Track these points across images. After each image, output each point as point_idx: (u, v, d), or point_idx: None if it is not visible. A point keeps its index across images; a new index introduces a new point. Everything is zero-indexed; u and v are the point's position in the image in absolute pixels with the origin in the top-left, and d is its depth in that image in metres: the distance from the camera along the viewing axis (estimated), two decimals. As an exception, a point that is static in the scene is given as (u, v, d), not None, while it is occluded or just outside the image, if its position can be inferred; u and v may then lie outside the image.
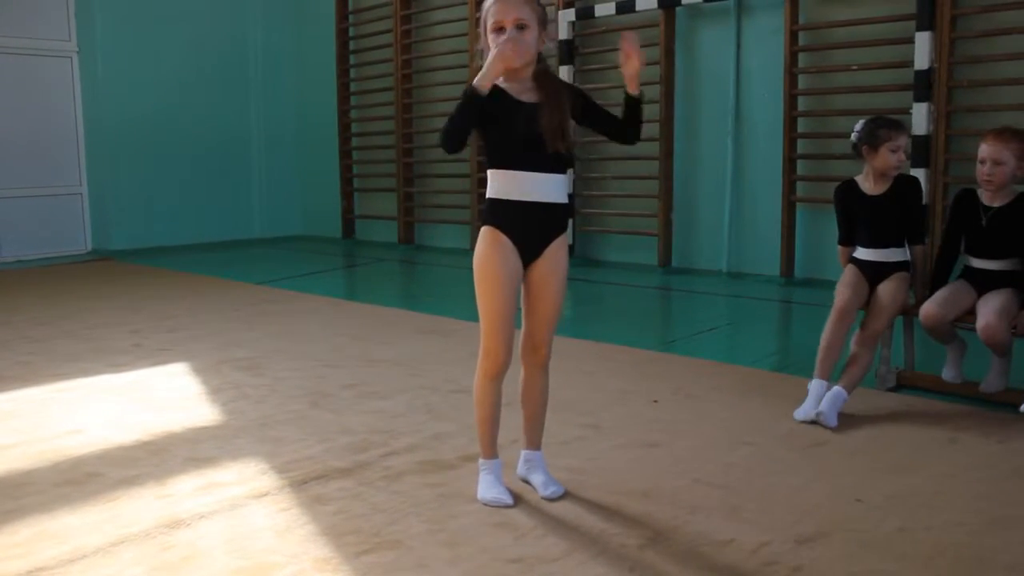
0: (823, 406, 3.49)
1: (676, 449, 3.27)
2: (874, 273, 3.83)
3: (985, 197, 3.72)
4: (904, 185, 3.83)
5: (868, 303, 3.81)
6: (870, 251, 3.86)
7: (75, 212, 9.65)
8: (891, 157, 3.76)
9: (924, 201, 4.04)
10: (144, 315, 5.99)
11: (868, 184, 3.86)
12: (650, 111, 7.46)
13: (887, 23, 6.30)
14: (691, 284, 7.00)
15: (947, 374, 3.91)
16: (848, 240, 3.96)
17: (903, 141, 3.75)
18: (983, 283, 3.69)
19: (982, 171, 3.65)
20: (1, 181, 9.03)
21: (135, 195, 9.66)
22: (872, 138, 3.75)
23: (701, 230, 7.51)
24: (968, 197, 3.78)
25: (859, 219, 3.89)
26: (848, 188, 3.93)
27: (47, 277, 7.95)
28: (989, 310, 3.55)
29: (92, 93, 9.50)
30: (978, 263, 3.75)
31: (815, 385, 3.62)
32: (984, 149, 3.64)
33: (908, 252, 3.86)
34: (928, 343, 3.98)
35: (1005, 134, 3.63)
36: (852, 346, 3.72)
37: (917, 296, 3.84)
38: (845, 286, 3.80)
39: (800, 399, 3.64)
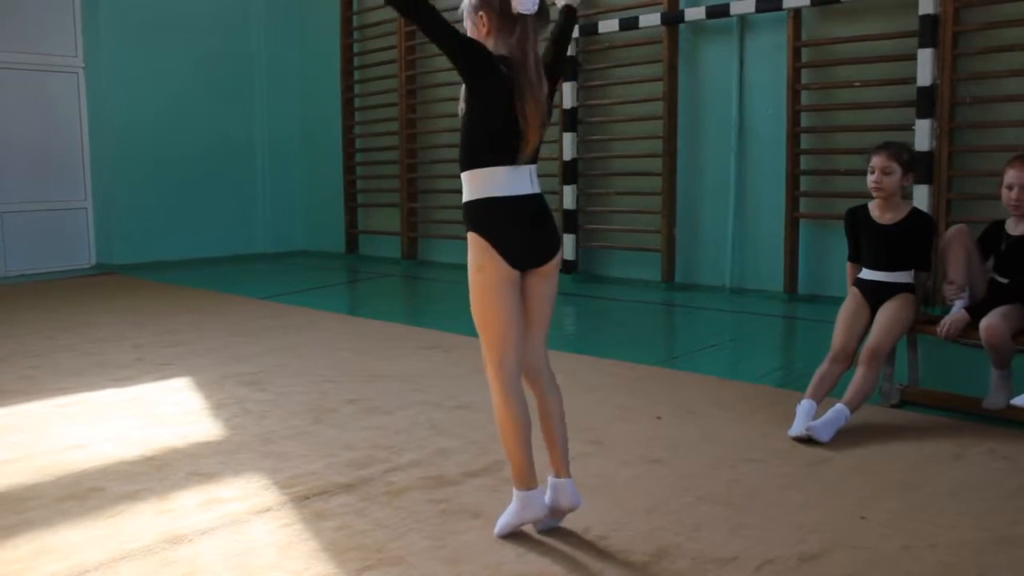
0: (817, 420, 3.49)
1: (679, 465, 3.26)
2: (877, 294, 3.82)
3: (1009, 224, 3.74)
4: (917, 223, 3.83)
5: (871, 323, 3.80)
6: (875, 273, 3.86)
7: (80, 226, 9.68)
8: (868, 178, 3.80)
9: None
10: (147, 329, 5.99)
11: (877, 211, 3.87)
12: (653, 127, 7.52)
13: (889, 40, 6.32)
14: (694, 300, 6.99)
15: (991, 401, 3.74)
16: (857, 257, 3.97)
17: (875, 161, 3.77)
18: (1005, 298, 3.68)
19: (1009, 196, 3.65)
20: (7, 195, 9.07)
21: (139, 210, 9.70)
22: None
23: (704, 246, 7.51)
24: (996, 228, 3.81)
25: (866, 244, 3.90)
26: (857, 214, 3.95)
27: (51, 291, 7.96)
28: (996, 312, 3.55)
29: (97, 108, 9.56)
30: (1000, 279, 3.77)
31: (804, 405, 3.61)
32: (1013, 175, 3.63)
33: (913, 275, 3.86)
34: (932, 359, 3.97)
35: None
36: (857, 365, 3.71)
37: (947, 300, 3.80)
38: (842, 325, 3.80)
39: (804, 415, 3.63)
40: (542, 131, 2.54)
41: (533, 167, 2.60)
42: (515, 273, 2.56)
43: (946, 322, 3.66)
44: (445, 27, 2.45)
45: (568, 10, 2.81)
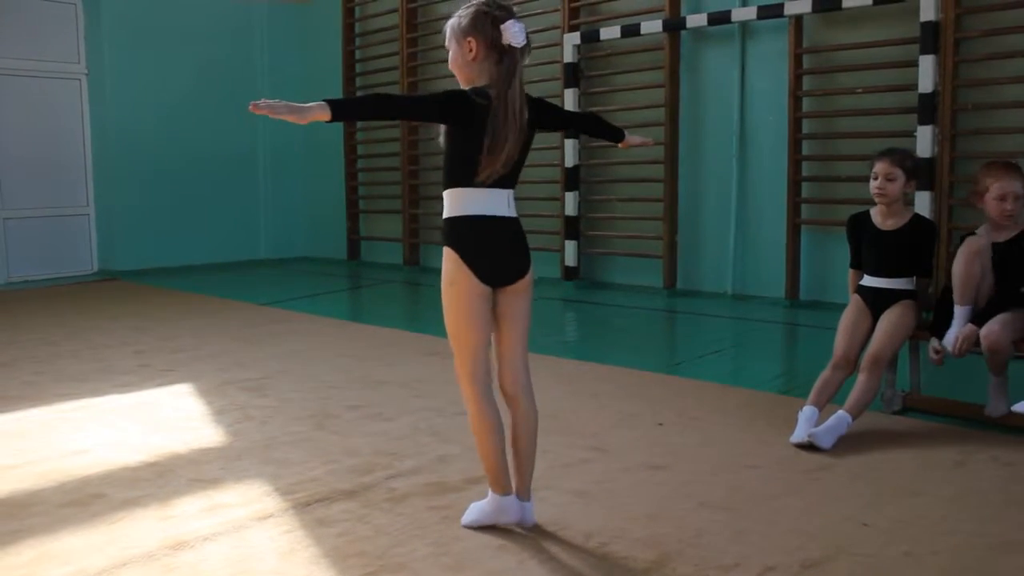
0: (819, 427, 3.49)
1: (681, 472, 3.26)
2: (879, 300, 3.82)
3: (992, 233, 3.71)
4: (919, 228, 3.83)
5: (873, 330, 3.80)
6: (876, 279, 3.86)
7: (82, 232, 9.70)
8: (871, 184, 3.80)
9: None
10: (150, 335, 6.00)
11: (879, 217, 3.87)
12: (655, 133, 7.51)
13: (891, 46, 6.32)
14: (696, 306, 6.99)
15: (993, 408, 3.73)
16: (858, 264, 3.97)
17: (878, 167, 3.78)
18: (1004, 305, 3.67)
19: (1004, 207, 3.61)
20: (10, 201, 9.08)
21: (142, 216, 9.71)
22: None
23: (706, 252, 7.51)
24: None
25: (867, 250, 3.91)
26: (859, 220, 3.95)
27: (54, 297, 7.97)
28: (996, 320, 3.54)
29: (100, 114, 9.58)
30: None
31: (805, 411, 3.61)
32: (1005, 186, 3.59)
33: (914, 282, 3.85)
34: (934, 366, 3.96)
35: (1011, 168, 3.64)
36: (859, 371, 3.70)
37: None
38: (844, 332, 3.80)
39: (805, 422, 3.63)
40: (512, 161, 2.61)
41: (511, 192, 2.68)
42: (486, 289, 2.65)
43: (958, 338, 3.61)
44: (430, 109, 2.64)
45: (616, 135, 3.07)
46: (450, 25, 2.65)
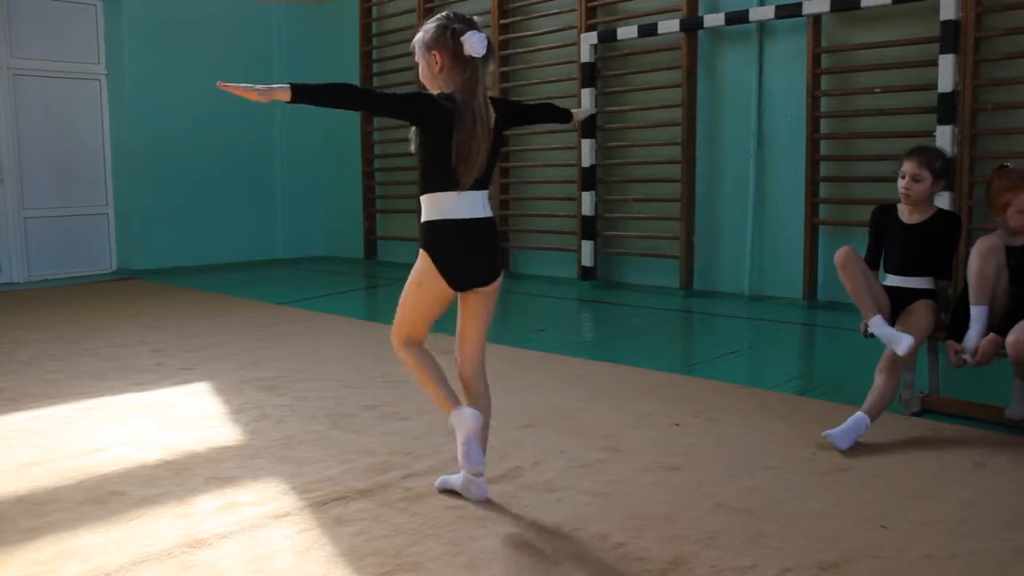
0: (836, 428, 3.46)
1: (697, 473, 3.25)
2: (899, 300, 3.79)
3: (1005, 237, 3.67)
4: (943, 220, 3.80)
5: (890, 315, 3.76)
6: (897, 278, 3.83)
7: (101, 232, 9.76)
8: (898, 182, 3.76)
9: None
10: (167, 334, 6.03)
11: (905, 213, 3.84)
12: (672, 133, 7.51)
13: (910, 46, 6.28)
14: (713, 307, 6.97)
15: (1013, 411, 3.71)
16: (873, 263, 3.93)
17: (906, 167, 3.74)
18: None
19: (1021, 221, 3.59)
20: (30, 200, 9.15)
21: (160, 215, 9.77)
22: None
23: (723, 252, 7.49)
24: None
25: (890, 244, 3.87)
26: (885, 211, 3.92)
27: (73, 296, 8.03)
28: (1020, 327, 3.50)
29: (119, 115, 9.64)
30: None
31: (874, 322, 3.60)
32: None
33: (934, 282, 3.82)
34: (953, 367, 3.93)
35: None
36: (876, 373, 3.68)
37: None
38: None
39: (822, 423, 3.61)
40: (485, 163, 2.74)
41: (485, 192, 2.81)
42: (453, 294, 2.83)
43: (981, 348, 3.55)
44: (395, 104, 2.74)
45: (566, 116, 3.24)
46: (416, 40, 2.79)
